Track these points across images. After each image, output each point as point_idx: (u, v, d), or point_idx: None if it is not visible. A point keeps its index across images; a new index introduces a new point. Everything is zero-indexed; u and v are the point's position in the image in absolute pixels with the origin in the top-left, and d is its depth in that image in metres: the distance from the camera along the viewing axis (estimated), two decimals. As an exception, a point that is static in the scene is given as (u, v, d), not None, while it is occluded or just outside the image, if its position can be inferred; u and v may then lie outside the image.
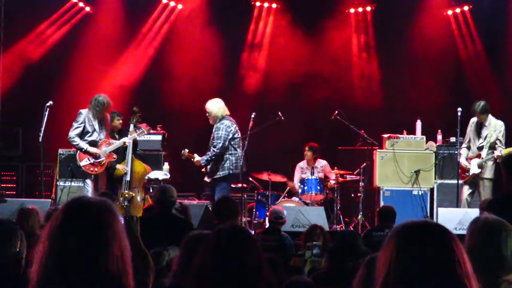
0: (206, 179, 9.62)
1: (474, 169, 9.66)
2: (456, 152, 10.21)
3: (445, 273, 2.17)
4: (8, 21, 12.69)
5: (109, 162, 9.51)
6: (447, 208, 9.88)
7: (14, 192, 11.96)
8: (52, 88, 12.15)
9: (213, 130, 9.50)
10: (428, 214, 10.54)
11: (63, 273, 2.25)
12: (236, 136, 9.52)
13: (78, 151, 9.45)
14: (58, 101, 10.68)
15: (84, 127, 9.39)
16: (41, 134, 9.61)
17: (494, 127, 9.69)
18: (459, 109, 10.05)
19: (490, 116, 9.76)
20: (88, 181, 9.42)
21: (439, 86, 12.85)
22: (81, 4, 13.16)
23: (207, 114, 9.61)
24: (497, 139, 9.68)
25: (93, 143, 9.41)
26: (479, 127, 9.76)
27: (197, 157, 9.51)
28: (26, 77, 12.66)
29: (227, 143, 9.39)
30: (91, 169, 9.40)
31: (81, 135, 9.40)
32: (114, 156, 9.55)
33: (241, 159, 9.53)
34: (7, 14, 12.67)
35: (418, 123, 11.24)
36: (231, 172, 9.43)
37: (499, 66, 12.92)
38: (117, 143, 9.55)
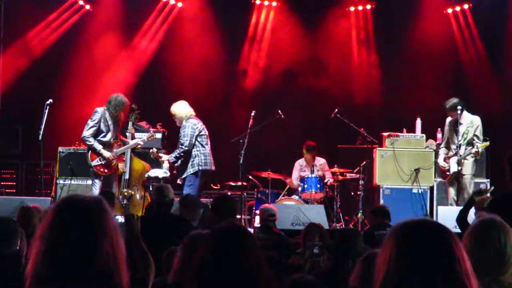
0: (178, 181, 9.71)
1: (453, 168, 9.65)
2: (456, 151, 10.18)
3: (445, 272, 2.18)
4: (8, 19, 12.68)
5: (118, 163, 9.50)
6: (447, 207, 9.86)
7: (14, 190, 11.97)
8: (52, 86, 12.15)
9: (180, 130, 9.63)
10: (428, 213, 10.54)
11: (54, 271, 2.26)
12: (203, 133, 9.64)
13: (90, 151, 9.40)
14: (58, 99, 10.68)
15: (99, 126, 9.35)
16: (41, 132, 9.60)
17: (471, 123, 9.63)
18: (459, 107, 10.03)
19: (465, 112, 9.69)
20: (97, 181, 9.41)
21: (439, 84, 12.85)
22: (81, 2, 13.16)
23: (173, 117, 9.74)
24: (474, 135, 9.64)
25: (106, 145, 9.37)
26: (455, 124, 9.73)
27: (164, 156, 9.69)
28: (26, 75, 12.64)
29: (194, 140, 9.51)
30: (101, 169, 9.38)
31: (95, 135, 9.33)
32: (124, 159, 9.56)
33: (209, 157, 9.61)
34: (7, 12, 12.66)
35: (418, 122, 11.24)
36: (200, 168, 9.53)
37: (499, 64, 12.91)
38: (127, 146, 9.54)
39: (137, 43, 13.33)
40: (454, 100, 9.66)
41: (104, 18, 13.02)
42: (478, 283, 2.25)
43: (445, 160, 9.82)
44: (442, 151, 9.93)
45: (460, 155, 9.58)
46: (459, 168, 9.59)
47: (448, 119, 9.84)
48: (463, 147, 9.63)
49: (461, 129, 9.64)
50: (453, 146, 9.74)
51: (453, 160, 9.66)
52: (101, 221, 2.34)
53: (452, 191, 9.73)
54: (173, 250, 4.43)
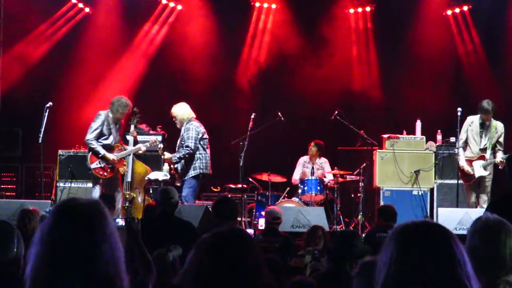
0: (177, 183, 9.70)
1: (480, 172, 9.54)
2: (457, 151, 10.09)
3: (446, 274, 2.17)
4: (8, 21, 12.68)
5: (119, 167, 9.47)
6: (447, 208, 9.86)
7: (14, 193, 11.96)
8: (52, 89, 12.16)
9: (182, 132, 9.64)
10: (428, 214, 10.53)
11: (54, 275, 2.25)
12: (205, 136, 9.69)
13: (90, 153, 9.37)
14: (58, 102, 10.67)
15: (101, 129, 9.29)
16: (41, 135, 9.59)
17: (496, 127, 9.62)
18: (459, 109, 10.02)
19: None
20: (97, 186, 9.38)
21: (439, 86, 12.86)
22: (80, 5, 13.17)
23: (173, 119, 9.74)
24: (497, 141, 9.61)
25: (107, 148, 9.32)
26: (481, 127, 9.67)
27: (167, 155, 9.67)
28: (26, 78, 12.65)
29: (197, 143, 9.49)
30: (100, 172, 9.34)
31: (97, 138, 9.29)
32: (125, 163, 9.51)
33: (209, 160, 9.62)
34: (7, 14, 12.66)
35: (418, 123, 11.24)
36: (201, 171, 9.57)
37: (499, 66, 12.92)
38: (128, 150, 9.49)
39: (137, 46, 13.33)
40: (492, 101, 9.54)
41: (104, 21, 13.03)
42: (479, 284, 2.24)
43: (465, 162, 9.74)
44: (461, 152, 9.83)
45: (487, 160, 9.52)
46: (488, 172, 9.56)
47: (471, 119, 9.71)
48: (489, 151, 9.58)
49: (488, 132, 9.59)
50: (476, 149, 9.67)
51: (478, 164, 9.59)
52: (101, 225, 2.33)
53: (473, 195, 9.65)
54: (161, 252, 4.42)
